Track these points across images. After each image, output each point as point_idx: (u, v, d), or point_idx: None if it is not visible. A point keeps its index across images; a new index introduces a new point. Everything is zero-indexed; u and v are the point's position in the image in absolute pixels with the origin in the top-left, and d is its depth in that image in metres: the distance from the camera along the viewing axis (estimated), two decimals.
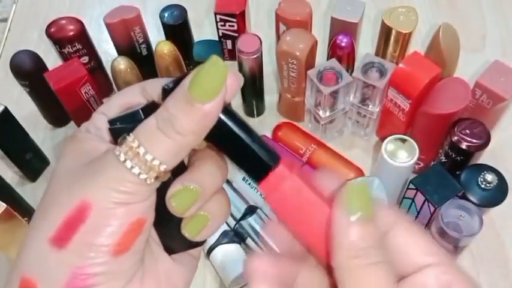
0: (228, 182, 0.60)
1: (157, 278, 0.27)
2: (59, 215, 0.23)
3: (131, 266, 0.24)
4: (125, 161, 0.23)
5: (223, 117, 0.24)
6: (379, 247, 0.22)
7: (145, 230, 0.25)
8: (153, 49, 0.63)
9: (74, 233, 0.23)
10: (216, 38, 0.71)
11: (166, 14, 0.65)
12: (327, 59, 0.65)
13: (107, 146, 0.26)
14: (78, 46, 0.64)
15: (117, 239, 0.23)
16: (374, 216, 0.23)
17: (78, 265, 0.23)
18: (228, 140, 0.25)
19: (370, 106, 0.61)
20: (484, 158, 0.55)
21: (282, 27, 0.64)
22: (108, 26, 0.64)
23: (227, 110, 0.24)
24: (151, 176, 0.23)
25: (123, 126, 0.25)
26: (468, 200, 0.52)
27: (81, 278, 0.23)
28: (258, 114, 0.69)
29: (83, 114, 0.61)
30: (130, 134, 0.23)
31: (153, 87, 0.26)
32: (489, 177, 0.52)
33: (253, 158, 0.25)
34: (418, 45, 0.69)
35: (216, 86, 0.23)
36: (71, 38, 0.63)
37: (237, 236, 0.57)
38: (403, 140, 0.54)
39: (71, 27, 0.63)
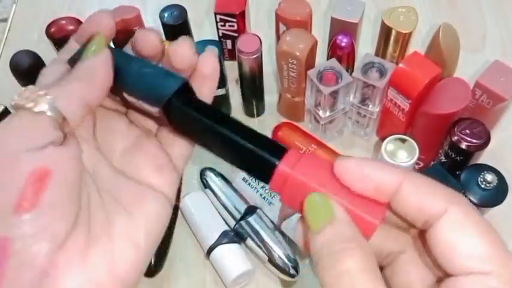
0: (228, 182, 0.60)
1: (109, 244, 0.25)
2: None
3: (53, 225, 0.22)
4: (25, 103, 0.24)
5: (218, 126, 0.25)
6: (347, 248, 0.22)
7: (57, 184, 0.23)
8: None
9: None
10: (216, 38, 0.71)
11: (166, 14, 0.65)
12: (327, 59, 0.65)
13: None
14: (78, 46, 0.64)
15: (18, 194, 0.21)
16: (337, 218, 0.23)
17: None
18: (227, 149, 0.25)
19: (370, 106, 0.61)
20: (484, 158, 0.55)
21: (282, 27, 0.64)
22: None
23: (222, 115, 0.25)
24: (47, 107, 0.24)
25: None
26: (468, 200, 0.52)
27: None
28: (258, 115, 0.69)
29: None
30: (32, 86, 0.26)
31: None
32: (489, 177, 0.52)
33: (254, 161, 0.25)
34: (418, 45, 0.69)
35: (98, 44, 0.30)
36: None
37: (237, 236, 0.57)
38: (403, 140, 0.54)
39: (71, 27, 0.63)
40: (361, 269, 0.22)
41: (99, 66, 0.28)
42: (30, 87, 0.25)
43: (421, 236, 0.25)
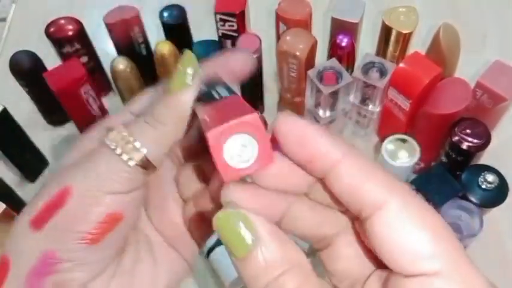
0: None
1: (130, 280, 0.26)
2: (43, 200, 0.24)
3: (100, 260, 0.24)
4: (114, 148, 0.24)
5: None
6: (280, 274, 0.20)
7: (120, 228, 0.25)
8: (153, 49, 0.63)
9: (51, 217, 0.23)
10: (216, 38, 0.71)
11: (165, 14, 0.65)
12: (327, 59, 0.64)
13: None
14: (78, 46, 0.64)
15: (90, 228, 0.23)
16: (261, 239, 0.20)
17: (49, 248, 0.23)
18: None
19: (370, 106, 0.61)
20: (484, 158, 0.55)
21: (282, 27, 0.64)
22: (107, 26, 0.64)
23: None
24: (136, 158, 0.24)
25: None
26: (469, 200, 0.52)
27: (49, 262, 0.23)
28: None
29: (82, 114, 0.61)
30: (120, 125, 0.25)
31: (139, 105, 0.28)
32: (490, 177, 0.52)
33: None
34: (418, 45, 0.69)
35: (186, 76, 0.25)
36: (70, 38, 0.63)
37: None
38: (404, 140, 0.54)
39: (70, 27, 0.63)
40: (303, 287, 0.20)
41: (188, 104, 0.25)
42: (120, 128, 0.24)
43: (358, 220, 0.22)
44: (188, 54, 0.25)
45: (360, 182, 0.20)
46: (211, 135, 0.20)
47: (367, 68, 0.58)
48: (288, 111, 0.22)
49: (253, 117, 0.20)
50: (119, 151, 0.24)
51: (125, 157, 0.24)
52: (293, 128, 0.21)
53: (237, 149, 0.20)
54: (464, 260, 0.19)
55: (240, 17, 0.67)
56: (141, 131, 0.24)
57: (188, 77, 0.24)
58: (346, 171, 0.20)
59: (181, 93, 0.25)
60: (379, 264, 0.21)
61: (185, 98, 0.24)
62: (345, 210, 0.22)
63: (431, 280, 0.19)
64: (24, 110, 0.67)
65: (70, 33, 0.63)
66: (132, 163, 0.24)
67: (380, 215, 0.20)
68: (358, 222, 0.22)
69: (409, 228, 0.19)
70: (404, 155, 0.53)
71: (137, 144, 0.24)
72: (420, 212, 0.20)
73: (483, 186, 0.52)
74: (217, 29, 0.69)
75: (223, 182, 0.21)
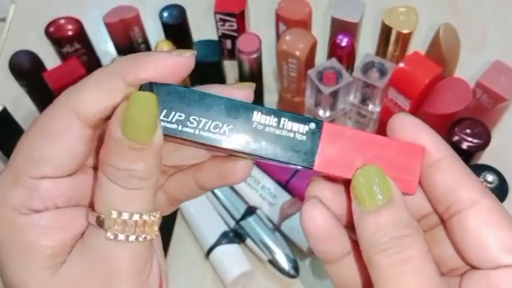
0: None
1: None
2: None
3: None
4: (115, 236, 0.22)
5: None
6: (407, 235, 0.21)
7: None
8: (153, 49, 0.63)
9: None
10: (216, 38, 0.71)
11: (165, 14, 0.65)
12: (327, 59, 0.64)
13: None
14: (77, 46, 0.64)
15: None
16: (395, 198, 0.21)
17: None
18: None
19: (370, 106, 0.61)
20: (484, 158, 0.55)
21: (282, 27, 0.64)
22: (107, 25, 0.64)
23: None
24: (149, 232, 0.22)
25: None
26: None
27: None
28: None
29: None
30: (108, 209, 0.22)
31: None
32: (490, 177, 0.52)
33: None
34: (418, 45, 0.69)
35: (151, 118, 0.21)
36: (70, 38, 0.63)
37: (236, 236, 0.57)
38: None
39: (70, 27, 0.63)
40: (423, 256, 0.21)
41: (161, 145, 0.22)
42: (114, 213, 0.22)
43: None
44: (135, 98, 0.21)
45: (459, 180, 0.22)
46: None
47: (367, 68, 0.58)
48: (400, 113, 0.24)
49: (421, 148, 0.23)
50: (121, 237, 0.22)
51: (132, 238, 0.22)
52: (408, 125, 0.23)
53: None
54: None
55: (240, 17, 0.67)
56: (129, 201, 0.22)
57: (150, 119, 0.21)
58: (447, 168, 0.22)
59: (155, 137, 0.21)
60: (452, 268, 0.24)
61: (159, 140, 0.21)
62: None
63: None
64: (24, 110, 0.67)
65: (70, 33, 0.63)
66: (142, 239, 0.22)
67: (473, 210, 0.22)
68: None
69: (501, 225, 0.21)
70: None
71: (135, 217, 0.22)
72: (506, 214, 0.22)
73: None
74: (217, 29, 0.69)
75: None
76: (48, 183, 0.22)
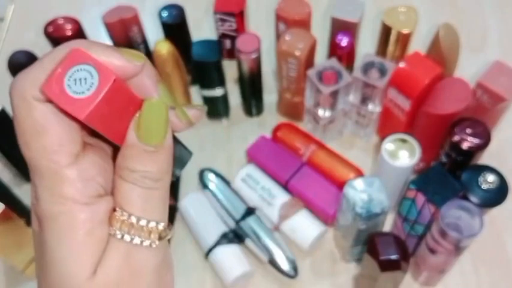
0: (227, 182, 0.60)
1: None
2: None
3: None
4: (122, 237, 0.23)
5: None
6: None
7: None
8: (152, 48, 0.63)
9: None
10: (215, 38, 0.70)
11: (165, 14, 0.65)
12: (327, 59, 0.64)
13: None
14: None
15: None
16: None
17: None
18: None
19: (370, 106, 0.60)
20: (484, 158, 0.55)
21: (282, 27, 0.64)
22: (106, 25, 0.64)
23: None
24: (153, 238, 0.24)
25: None
26: (469, 200, 0.52)
27: None
28: (257, 114, 0.69)
29: None
30: (117, 208, 0.23)
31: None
32: (490, 177, 0.52)
33: None
34: (418, 45, 0.69)
35: (162, 123, 0.24)
36: (69, 38, 0.63)
37: (236, 237, 0.57)
38: (404, 140, 0.54)
39: (69, 27, 0.63)
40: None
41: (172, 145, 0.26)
42: (117, 215, 0.23)
43: None
44: (150, 106, 0.23)
45: None
46: (47, 88, 0.22)
47: (367, 68, 0.58)
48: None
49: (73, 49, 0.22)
50: (127, 238, 0.23)
51: (137, 241, 0.23)
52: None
53: (79, 85, 0.22)
54: None
55: (240, 17, 0.67)
56: (139, 203, 0.24)
57: (162, 124, 0.24)
58: None
59: (167, 139, 0.24)
60: None
61: (170, 142, 0.24)
62: None
63: None
64: None
65: (69, 33, 0.63)
66: (146, 243, 0.24)
67: None
68: None
69: None
70: (405, 155, 0.53)
71: (142, 222, 0.23)
72: None
73: (483, 186, 0.52)
74: (217, 28, 0.69)
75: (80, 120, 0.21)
76: (71, 169, 0.23)
